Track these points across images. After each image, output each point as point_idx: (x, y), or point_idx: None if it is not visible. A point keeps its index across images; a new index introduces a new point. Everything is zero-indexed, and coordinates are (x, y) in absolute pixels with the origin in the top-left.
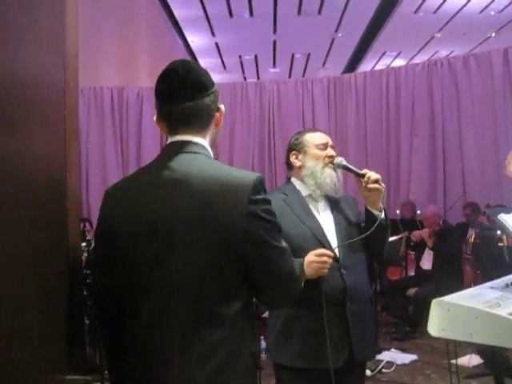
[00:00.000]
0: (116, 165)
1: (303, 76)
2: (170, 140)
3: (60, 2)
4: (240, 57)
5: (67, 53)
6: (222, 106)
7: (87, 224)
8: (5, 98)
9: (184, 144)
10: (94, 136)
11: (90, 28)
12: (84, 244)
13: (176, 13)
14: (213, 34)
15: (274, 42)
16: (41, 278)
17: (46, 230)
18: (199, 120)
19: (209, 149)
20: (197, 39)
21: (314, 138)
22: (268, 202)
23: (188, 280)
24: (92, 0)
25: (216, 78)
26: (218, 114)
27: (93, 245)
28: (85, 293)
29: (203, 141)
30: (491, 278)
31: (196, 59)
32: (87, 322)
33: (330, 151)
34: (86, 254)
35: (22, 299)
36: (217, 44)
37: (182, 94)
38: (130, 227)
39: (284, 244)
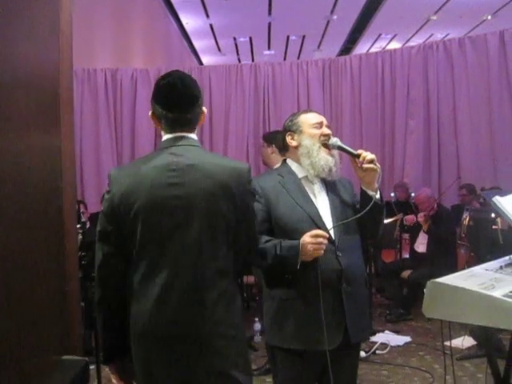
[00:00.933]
0: (110, 146)
1: (298, 58)
2: (171, 135)
3: None
4: (235, 39)
5: (61, 32)
6: (205, 109)
7: (82, 206)
8: None
9: (185, 138)
10: (87, 117)
11: (85, 9)
12: (78, 226)
13: None
14: (207, 15)
15: (269, 24)
16: (36, 260)
17: (41, 211)
18: (192, 123)
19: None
20: (191, 21)
21: (309, 118)
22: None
23: (202, 242)
24: None
25: (210, 60)
26: (202, 115)
27: (87, 227)
28: (79, 275)
29: (195, 135)
30: (485, 261)
31: (190, 41)
32: (82, 304)
33: (326, 129)
34: (80, 236)
35: (18, 282)
36: (211, 26)
37: (181, 106)
38: (153, 204)
39: None
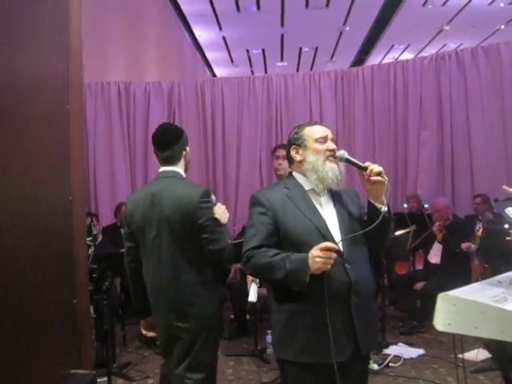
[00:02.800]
0: (123, 159)
1: (311, 70)
2: (161, 168)
3: None
4: (247, 51)
5: (71, 47)
6: (188, 148)
7: (94, 219)
8: (6, 94)
9: (166, 171)
10: (101, 130)
11: (98, 22)
12: (89, 239)
13: (183, 7)
14: (220, 28)
15: (282, 36)
16: (47, 273)
17: (51, 226)
18: (173, 159)
19: (181, 172)
20: (204, 33)
21: (314, 132)
22: (209, 201)
23: (171, 247)
24: None
25: (223, 71)
26: (185, 153)
27: (99, 239)
28: (90, 288)
29: (177, 168)
30: (499, 272)
31: (203, 53)
32: (94, 316)
33: (331, 144)
34: (92, 249)
35: (26, 295)
36: (224, 38)
37: (160, 147)
38: (143, 220)
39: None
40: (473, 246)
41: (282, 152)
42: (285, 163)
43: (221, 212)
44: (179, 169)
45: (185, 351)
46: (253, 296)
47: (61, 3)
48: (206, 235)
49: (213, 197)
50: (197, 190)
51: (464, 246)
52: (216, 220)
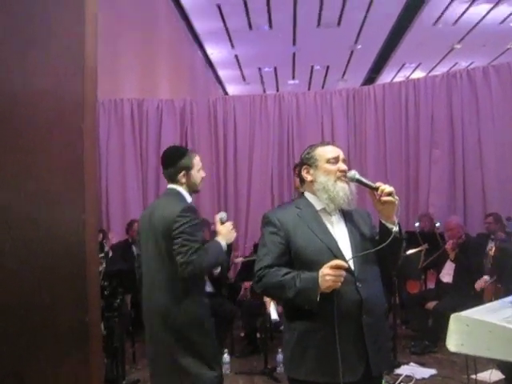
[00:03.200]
0: (136, 177)
1: (322, 88)
2: (167, 186)
3: (78, 13)
4: (259, 69)
5: (86, 65)
6: (194, 169)
7: (104, 235)
8: (20, 113)
9: (169, 190)
10: (114, 148)
11: (111, 40)
12: (101, 255)
13: (196, 25)
14: (232, 46)
15: (294, 54)
16: (58, 293)
17: (63, 242)
18: (171, 177)
19: (180, 190)
20: (216, 51)
21: (325, 152)
22: (189, 217)
23: (155, 257)
24: (112, 12)
25: (235, 89)
26: (183, 173)
27: (110, 255)
28: (101, 305)
29: (177, 186)
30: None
31: (215, 71)
32: (104, 333)
33: (342, 165)
34: (104, 265)
35: (38, 313)
36: (236, 56)
37: (164, 166)
38: (142, 232)
39: (194, 238)
40: (487, 277)
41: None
42: (297, 182)
43: (225, 231)
44: (179, 187)
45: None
46: (275, 314)
47: (76, 23)
48: (175, 247)
49: (223, 214)
50: (180, 205)
51: (478, 285)
52: (191, 234)
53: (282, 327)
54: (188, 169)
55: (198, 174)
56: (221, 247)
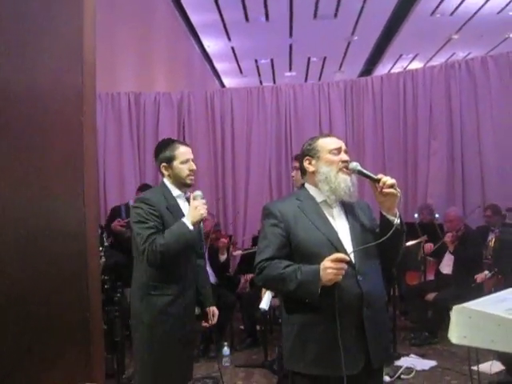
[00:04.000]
0: (133, 170)
1: (319, 79)
2: None
3: (77, 8)
4: (256, 61)
5: (84, 59)
6: (163, 164)
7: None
8: (21, 106)
9: (160, 183)
10: (111, 141)
11: (108, 34)
12: (101, 250)
13: (192, 18)
14: (229, 38)
15: (290, 46)
16: (60, 286)
17: (64, 235)
18: (159, 171)
19: (166, 183)
20: (213, 44)
21: (328, 143)
22: (136, 207)
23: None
24: (109, 6)
25: (232, 81)
26: (162, 167)
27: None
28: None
29: (165, 179)
30: None
31: (212, 64)
32: (105, 327)
33: (344, 156)
34: (103, 259)
35: (39, 307)
36: (233, 48)
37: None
38: None
39: (145, 226)
40: (487, 272)
41: (295, 163)
42: (297, 175)
43: (191, 209)
44: (166, 180)
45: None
46: (265, 304)
47: (75, 17)
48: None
49: (197, 193)
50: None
51: (479, 278)
52: (141, 222)
53: (280, 320)
54: (169, 160)
55: (181, 165)
56: (183, 226)
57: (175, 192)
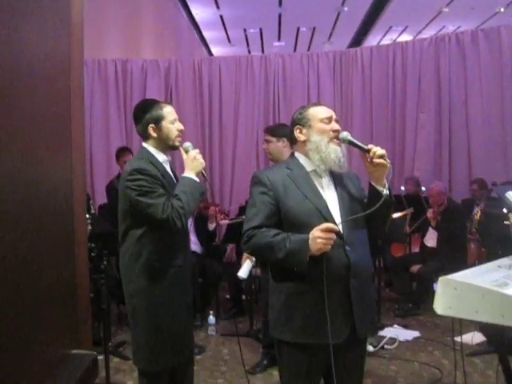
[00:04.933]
0: (120, 137)
1: (308, 50)
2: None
3: None
4: (245, 30)
5: (72, 23)
6: (151, 125)
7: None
8: (7, 70)
9: (140, 149)
10: (97, 108)
11: (94, 0)
12: (88, 217)
13: None
14: (217, 6)
15: (279, 16)
16: (45, 253)
17: (51, 205)
18: (142, 135)
19: (147, 147)
20: (201, 11)
21: (319, 112)
22: (135, 179)
23: (119, 217)
24: None
25: (220, 50)
26: (150, 128)
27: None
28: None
29: (147, 145)
30: (496, 257)
31: (200, 32)
32: (91, 295)
33: (335, 125)
34: (90, 227)
35: (26, 275)
36: (221, 17)
37: (134, 123)
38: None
39: (154, 195)
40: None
41: (266, 136)
42: (270, 146)
43: (189, 162)
44: (150, 146)
45: None
46: (243, 272)
47: None
48: (144, 212)
49: (187, 143)
50: (129, 168)
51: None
52: (149, 192)
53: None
54: (157, 121)
55: (171, 125)
56: (192, 181)
57: (160, 157)
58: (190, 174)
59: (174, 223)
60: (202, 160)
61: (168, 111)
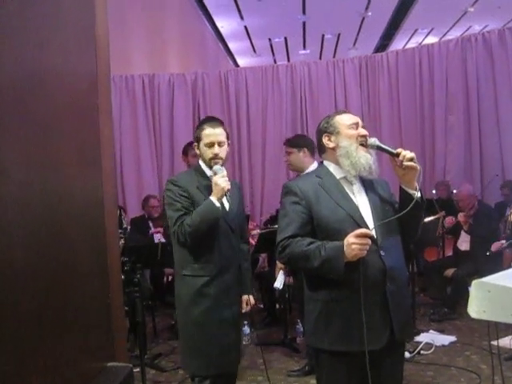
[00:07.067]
0: (149, 151)
1: (334, 57)
2: None
3: None
4: (270, 40)
5: (98, 41)
6: (200, 143)
7: (122, 211)
8: (36, 91)
9: None
10: (126, 124)
11: (119, 16)
12: (120, 231)
13: None
14: (241, 17)
15: (304, 24)
16: (81, 268)
17: (83, 221)
18: None
19: (200, 163)
20: (226, 24)
21: (345, 119)
22: (167, 189)
23: None
24: None
25: (246, 61)
26: (195, 147)
27: (128, 230)
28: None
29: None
30: None
31: (226, 43)
32: (126, 308)
33: (362, 130)
34: (122, 241)
35: (61, 292)
36: (246, 27)
37: None
38: None
39: (174, 208)
40: (503, 242)
41: (287, 148)
42: (291, 157)
43: (213, 185)
44: (200, 159)
45: None
46: (279, 283)
47: (87, 1)
48: None
49: (216, 167)
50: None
51: (494, 246)
52: (170, 204)
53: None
54: (197, 141)
55: (204, 148)
56: (210, 204)
57: (208, 172)
58: (212, 197)
59: (177, 238)
60: (223, 185)
61: (205, 134)
